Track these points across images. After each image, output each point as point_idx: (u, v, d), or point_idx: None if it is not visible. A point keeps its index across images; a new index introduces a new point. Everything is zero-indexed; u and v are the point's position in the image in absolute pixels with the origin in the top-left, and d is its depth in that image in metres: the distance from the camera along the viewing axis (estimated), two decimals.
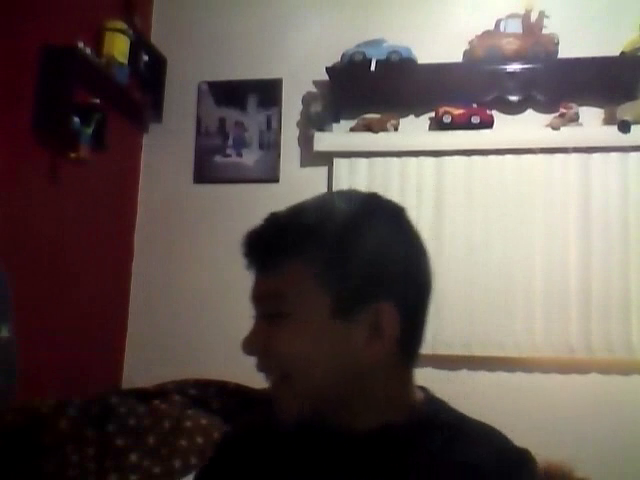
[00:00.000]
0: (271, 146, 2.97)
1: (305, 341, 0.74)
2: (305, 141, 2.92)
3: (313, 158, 2.89)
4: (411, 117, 2.89)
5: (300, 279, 0.74)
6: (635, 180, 2.64)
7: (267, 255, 0.77)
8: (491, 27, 2.79)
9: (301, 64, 2.97)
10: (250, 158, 2.98)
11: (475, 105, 2.76)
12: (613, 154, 2.67)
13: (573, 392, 2.60)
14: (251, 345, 0.77)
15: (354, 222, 0.75)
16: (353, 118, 2.87)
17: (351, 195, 0.83)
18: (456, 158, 2.76)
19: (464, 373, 2.68)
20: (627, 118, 2.61)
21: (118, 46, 2.64)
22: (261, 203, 2.87)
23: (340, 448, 0.75)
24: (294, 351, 0.74)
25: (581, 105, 2.71)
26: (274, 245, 0.77)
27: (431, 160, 2.76)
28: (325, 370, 0.74)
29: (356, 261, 0.74)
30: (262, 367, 0.77)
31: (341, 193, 0.87)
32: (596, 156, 2.68)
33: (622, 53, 2.65)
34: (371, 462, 0.74)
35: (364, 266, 0.74)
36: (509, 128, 2.78)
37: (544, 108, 2.76)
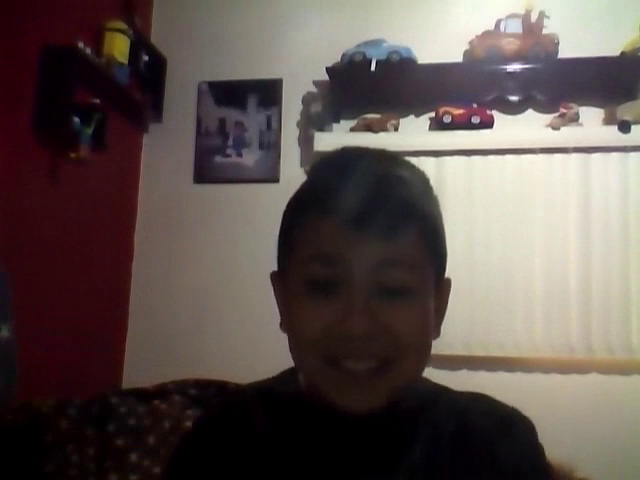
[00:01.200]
0: (271, 146, 2.97)
1: (428, 321, 0.68)
2: (305, 141, 2.92)
3: (313, 158, 2.89)
4: (411, 117, 2.89)
5: (421, 250, 0.66)
6: (635, 180, 2.64)
7: (395, 220, 0.65)
8: (491, 27, 2.79)
9: (301, 64, 2.97)
10: (250, 158, 2.98)
11: (475, 105, 2.76)
12: (613, 154, 2.67)
13: (573, 392, 2.60)
14: (370, 325, 0.63)
15: (433, 191, 0.73)
16: (353, 118, 2.87)
17: (403, 159, 0.74)
18: (456, 158, 2.76)
19: (464, 373, 2.68)
20: (627, 118, 2.61)
21: (118, 46, 2.64)
22: (261, 203, 2.88)
23: (346, 428, 0.68)
24: (421, 331, 0.67)
25: (581, 105, 2.71)
26: (404, 210, 0.66)
27: (431, 160, 2.76)
28: (427, 354, 0.69)
29: (442, 231, 0.71)
30: (367, 351, 0.64)
31: (391, 155, 0.74)
32: (596, 156, 2.68)
33: (622, 53, 2.65)
34: (378, 440, 0.69)
35: (444, 237, 0.72)
36: (509, 128, 2.78)
37: (544, 108, 2.76)
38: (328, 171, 0.70)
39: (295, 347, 0.68)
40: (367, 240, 0.64)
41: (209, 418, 0.79)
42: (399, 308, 0.65)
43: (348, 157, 0.71)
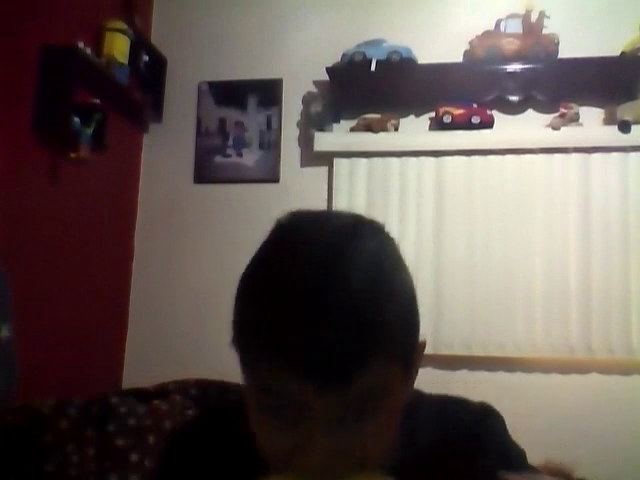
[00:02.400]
0: (271, 146, 2.97)
1: (396, 420, 0.64)
2: (305, 141, 2.92)
3: (313, 158, 2.89)
4: (411, 117, 2.89)
5: (384, 363, 0.59)
6: (635, 180, 2.64)
7: (351, 353, 0.57)
8: (491, 27, 2.79)
9: (301, 64, 2.97)
10: (250, 158, 2.98)
11: (475, 105, 2.76)
12: (613, 154, 2.67)
13: (573, 392, 2.60)
14: (331, 455, 0.58)
15: (411, 291, 0.64)
16: (353, 118, 2.87)
17: (373, 243, 0.63)
18: (456, 158, 2.76)
19: (464, 373, 2.68)
20: (627, 118, 2.61)
21: (118, 46, 2.64)
22: (261, 203, 2.88)
23: None
24: (390, 434, 0.63)
25: (581, 105, 2.71)
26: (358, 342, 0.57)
27: (431, 160, 2.76)
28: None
29: (406, 317, 0.63)
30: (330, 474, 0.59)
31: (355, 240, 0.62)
32: (596, 156, 2.68)
33: (622, 53, 2.65)
34: None
35: (410, 319, 0.64)
36: (509, 128, 2.78)
37: (544, 108, 2.76)
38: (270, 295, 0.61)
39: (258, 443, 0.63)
40: (325, 383, 0.56)
41: (203, 419, 0.79)
42: (364, 430, 0.60)
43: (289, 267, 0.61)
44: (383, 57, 2.74)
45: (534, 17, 2.72)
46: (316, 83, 2.96)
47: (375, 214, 0.68)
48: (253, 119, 3.00)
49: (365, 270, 0.59)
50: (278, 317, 0.58)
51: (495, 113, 2.77)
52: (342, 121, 2.91)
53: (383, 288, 0.60)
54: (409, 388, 0.69)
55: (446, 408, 0.76)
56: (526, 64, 2.70)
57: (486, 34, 2.77)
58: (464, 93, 2.77)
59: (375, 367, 0.58)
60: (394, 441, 0.64)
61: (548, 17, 2.71)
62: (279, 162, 2.96)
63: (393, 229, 0.68)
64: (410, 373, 0.67)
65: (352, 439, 0.59)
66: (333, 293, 0.57)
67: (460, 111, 2.75)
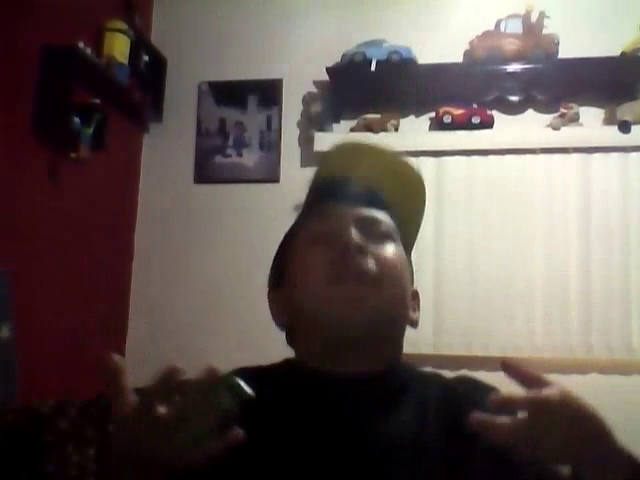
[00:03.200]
0: (271, 146, 2.97)
1: (404, 267, 0.84)
2: (305, 141, 2.92)
3: (313, 158, 2.88)
4: (411, 117, 2.89)
5: (391, 225, 0.86)
6: (635, 180, 2.64)
7: (372, 196, 0.86)
8: (491, 27, 2.79)
9: (301, 64, 2.97)
10: (250, 158, 2.98)
11: (475, 105, 2.76)
12: (613, 154, 2.67)
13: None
14: (362, 243, 0.80)
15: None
16: (353, 118, 2.87)
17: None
18: (456, 158, 2.76)
19: (464, 373, 2.68)
20: (627, 118, 2.61)
21: (118, 46, 2.64)
22: (261, 203, 2.88)
23: (341, 388, 0.78)
24: (400, 267, 0.83)
25: (581, 105, 2.71)
26: (378, 193, 0.87)
27: (431, 160, 2.76)
28: (405, 298, 0.84)
29: (415, 219, 0.94)
30: (362, 267, 0.78)
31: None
32: (596, 156, 2.68)
33: (622, 53, 2.65)
34: (370, 401, 0.78)
35: (416, 226, 0.95)
36: (509, 128, 2.78)
37: (544, 108, 2.76)
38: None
39: (300, 288, 0.81)
40: (351, 204, 0.84)
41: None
42: (382, 247, 0.82)
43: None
44: (383, 57, 2.74)
45: (534, 17, 2.72)
46: (316, 83, 2.95)
47: None
48: (253, 119, 3.00)
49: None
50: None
51: (495, 113, 2.77)
52: (342, 121, 2.91)
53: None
54: (416, 302, 0.89)
55: (460, 379, 0.88)
56: (526, 64, 2.70)
57: (486, 34, 2.77)
58: (464, 93, 2.77)
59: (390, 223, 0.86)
60: (400, 313, 0.83)
61: (548, 17, 2.71)
62: (279, 162, 2.96)
63: None
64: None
65: (376, 250, 0.81)
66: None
67: (460, 111, 2.75)
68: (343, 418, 0.75)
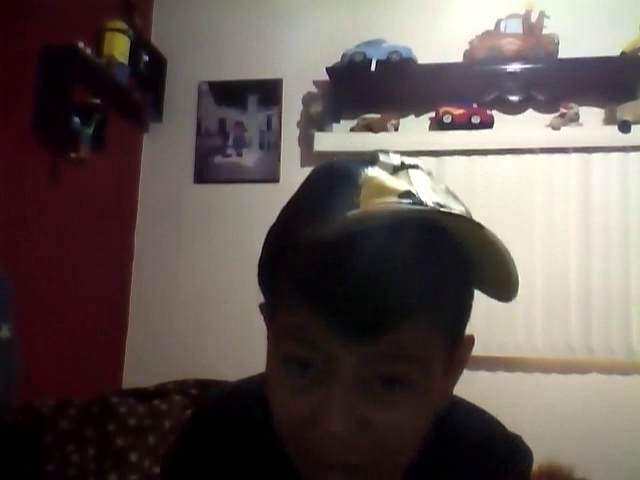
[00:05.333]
0: (271, 146, 2.97)
1: (425, 416, 0.58)
2: (305, 141, 2.92)
3: (313, 158, 2.89)
4: (411, 117, 2.89)
5: (423, 330, 0.56)
6: (635, 180, 2.64)
7: (387, 311, 0.54)
8: (491, 27, 2.79)
9: (301, 64, 2.97)
10: (250, 158, 2.98)
11: (475, 105, 2.76)
12: (613, 154, 2.67)
13: (573, 392, 2.60)
14: (350, 421, 0.54)
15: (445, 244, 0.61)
16: (353, 118, 2.87)
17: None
18: (456, 158, 2.76)
19: (464, 373, 2.68)
20: (627, 118, 2.61)
21: (118, 46, 2.65)
22: (261, 203, 2.88)
23: None
24: (412, 433, 0.57)
25: (581, 105, 2.71)
26: (399, 298, 0.54)
27: (431, 160, 2.76)
28: (414, 448, 0.59)
29: (454, 292, 0.63)
30: (345, 456, 0.55)
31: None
32: (596, 156, 2.68)
33: (622, 53, 2.65)
34: None
35: (459, 295, 0.64)
36: (509, 128, 2.78)
37: (544, 108, 2.76)
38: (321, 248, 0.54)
39: (275, 415, 0.59)
40: (355, 336, 0.53)
41: (207, 416, 0.74)
42: (389, 405, 0.55)
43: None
44: (383, 57, 2.74)
45: (534, 17, 2.72)
46: (316, 83, 2.95)
47: None
48: (253, 119, 3.00)
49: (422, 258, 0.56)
50: (319, 265, 0.54)
51: (495, 113, 2.77)
52: (342, 121, 2.91)
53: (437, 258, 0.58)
54: (449, 386, 0.65)
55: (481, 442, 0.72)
56: (526, 64, 2.70)
57: (486, 34, 2.77)
58: (464, 93, 2.77)
59: (410, 327, 0.54)
60: (416, 445, 0.58)
61: (548, 17, 2.71)
62: (279, 162, 2.96)
63: None
64: (452, 364, 0.63)
65: (374, 412, 0.54)
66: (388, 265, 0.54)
67: (460, 111, 2.75)
68: None
